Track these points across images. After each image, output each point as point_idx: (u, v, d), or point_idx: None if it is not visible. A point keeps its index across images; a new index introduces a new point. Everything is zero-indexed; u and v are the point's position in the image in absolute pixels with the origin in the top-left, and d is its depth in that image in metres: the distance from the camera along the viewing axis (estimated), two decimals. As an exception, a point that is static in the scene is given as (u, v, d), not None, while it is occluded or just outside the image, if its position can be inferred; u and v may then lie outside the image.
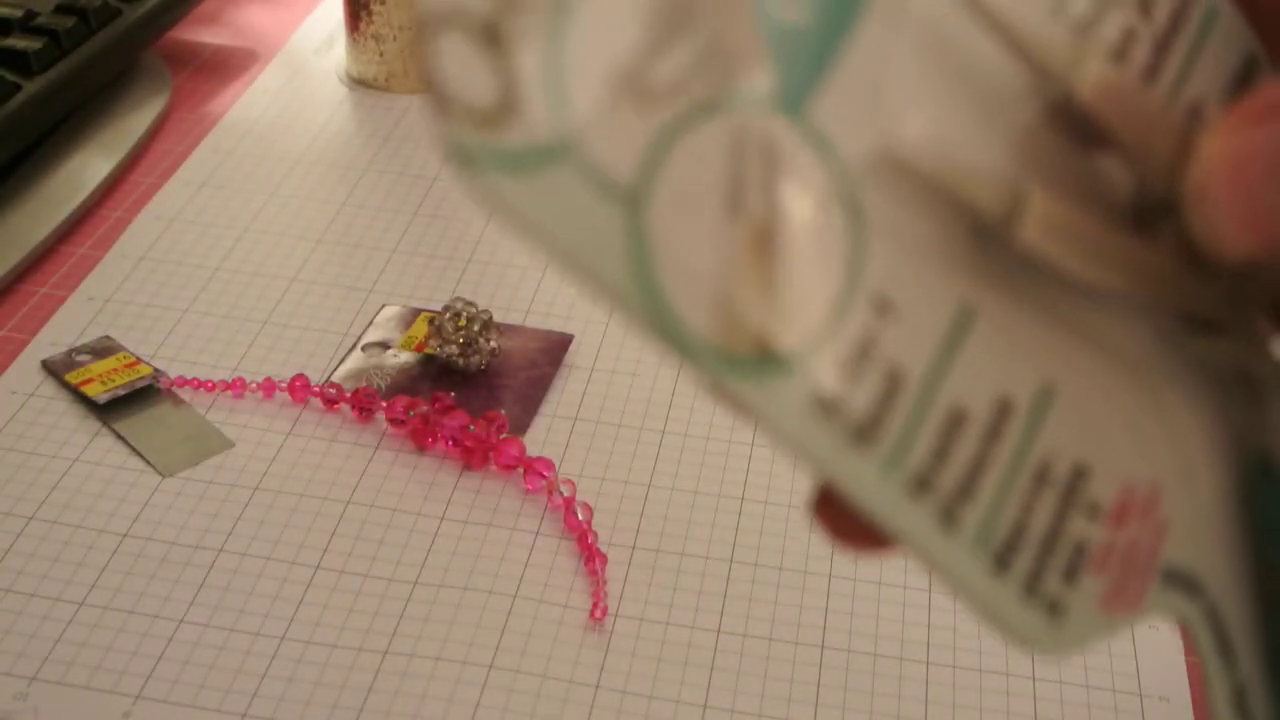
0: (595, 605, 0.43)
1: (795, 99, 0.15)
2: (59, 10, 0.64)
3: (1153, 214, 0.17)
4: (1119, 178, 0.17)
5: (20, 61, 0.61)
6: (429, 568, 0.44)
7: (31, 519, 0.45)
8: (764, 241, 0.15)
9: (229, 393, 0.50)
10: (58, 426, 0.48)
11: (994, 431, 0.16)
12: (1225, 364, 0.18)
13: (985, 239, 0.16)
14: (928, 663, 0.42)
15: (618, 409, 0.51)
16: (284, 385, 0.50)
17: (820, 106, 0.15)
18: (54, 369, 0.51)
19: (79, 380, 0.50)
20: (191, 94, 0.69)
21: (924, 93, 0.16)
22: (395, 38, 0.68)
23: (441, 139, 0.13)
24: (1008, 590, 0.16)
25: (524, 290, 0.57)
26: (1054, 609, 0.17)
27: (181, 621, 0.42)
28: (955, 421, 0.16)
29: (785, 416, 0.15)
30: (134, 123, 0.65)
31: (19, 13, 0.63)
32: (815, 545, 0.46)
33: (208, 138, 0.66)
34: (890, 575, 0.44)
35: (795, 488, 0.47)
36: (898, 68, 0.16)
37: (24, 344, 0.52)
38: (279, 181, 0.63)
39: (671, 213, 0.14)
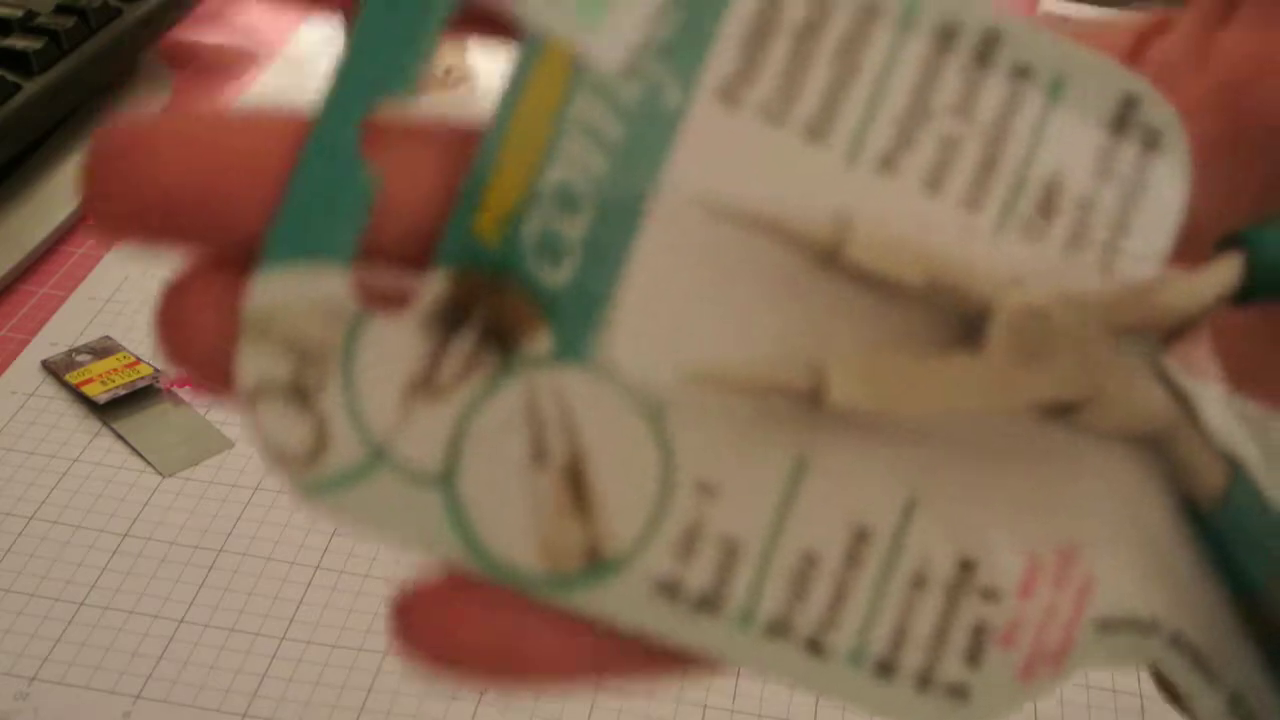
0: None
1: (579, 348, 0.17)
2: (59, 10, 0.64)
3: (971, 325, 0.18)
4: (922, 312, 0.18)
5: (21, 61, 0.61)
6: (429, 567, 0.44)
7: (31, 519, 0.45)
8: (573, 477, 0.17)
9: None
10: (58, 426, 0.48)
11: (852, 561, 0.17)
12: (1108, 430, 0.18)
13: (806, 404, 0.17)
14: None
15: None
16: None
17: (606, 346, 0.17)
18: (54, 369, 0.51)
19: (79, 380, 0.50)
20: (192, 94, 0.69)
21: (707, 305, 0.17)
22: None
23: (281, 481, 0.16)
24: (899, 691, 0.17)
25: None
26: (957, 693, 0.18)
27: (181, 621, 0.42)
28: (807, 564, 0.17)
29: (627, 609, 0.17)
30: (134, 123, 0.65)
31: (19, 13, 0.64)
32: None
33: (208, 138, 0.66)
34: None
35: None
36: (677, 289, 0.17)
37: (24, 344, 0.52)
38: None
39: (482, 481, 0.16)
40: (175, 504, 0.46)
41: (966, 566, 0.18)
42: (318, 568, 0.44)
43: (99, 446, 0.48)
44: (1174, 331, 0.18)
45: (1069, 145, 0.18)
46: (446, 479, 0.16)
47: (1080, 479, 0.18)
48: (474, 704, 0.40)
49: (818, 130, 0.17)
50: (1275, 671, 0.19)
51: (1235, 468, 0.19)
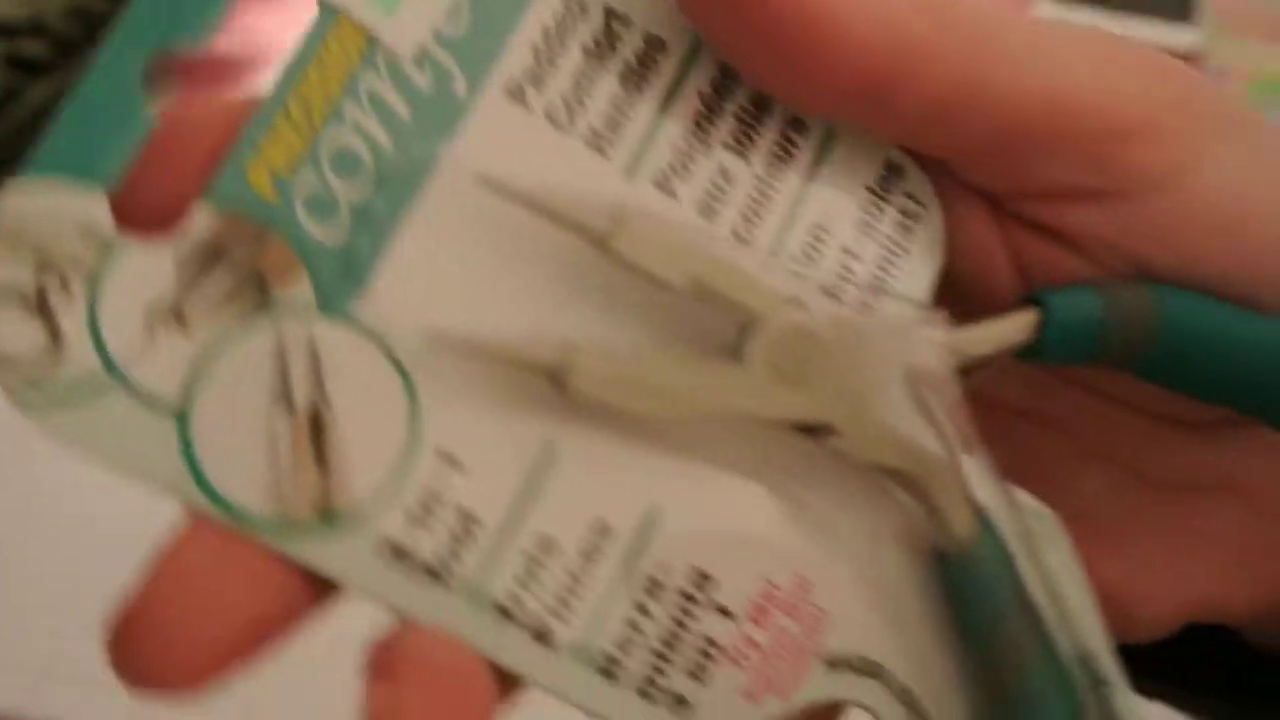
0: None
1: (338, 302, 0.17)
2: (65, 14, 0.64)
3: (737, 341, 0.18)
4: (693, 316, 0.18)
5: (26, 65, 0.61)
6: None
7: (40, 517, 0.45)
8: (315, 425, 0.17)
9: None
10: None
11: (589, 554, 0.18)
12: (861, 461, 0.19)
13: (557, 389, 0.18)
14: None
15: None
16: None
17: (366, 305, 0.17)
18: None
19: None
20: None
21: (474, 279, 0.18)
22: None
23: (6, 394, 0.16)
24: (622, 694, 0.18)
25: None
26: (680, 704, 0.18)
27: (189, 618, 0.42)
28: (543, 550, 0.17)
29: (354, 567, 0.17)
30: (139, 126, 0.66)
31: (25, 16, 0.64)
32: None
33: (213, 141, 0.66)
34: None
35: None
36: (446, 260, 0.18)
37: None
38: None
39: (219, 417, 0.17)
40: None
41: (703, 580, 0.18)
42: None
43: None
44: (958, 371, 0.19)
45: (836, 197, 0.19)
46: (182, 410, 0.17)
47: (827, 510, 0.19)
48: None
49: (600, 143, 0.18)
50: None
51: (984, 520, 0.19)
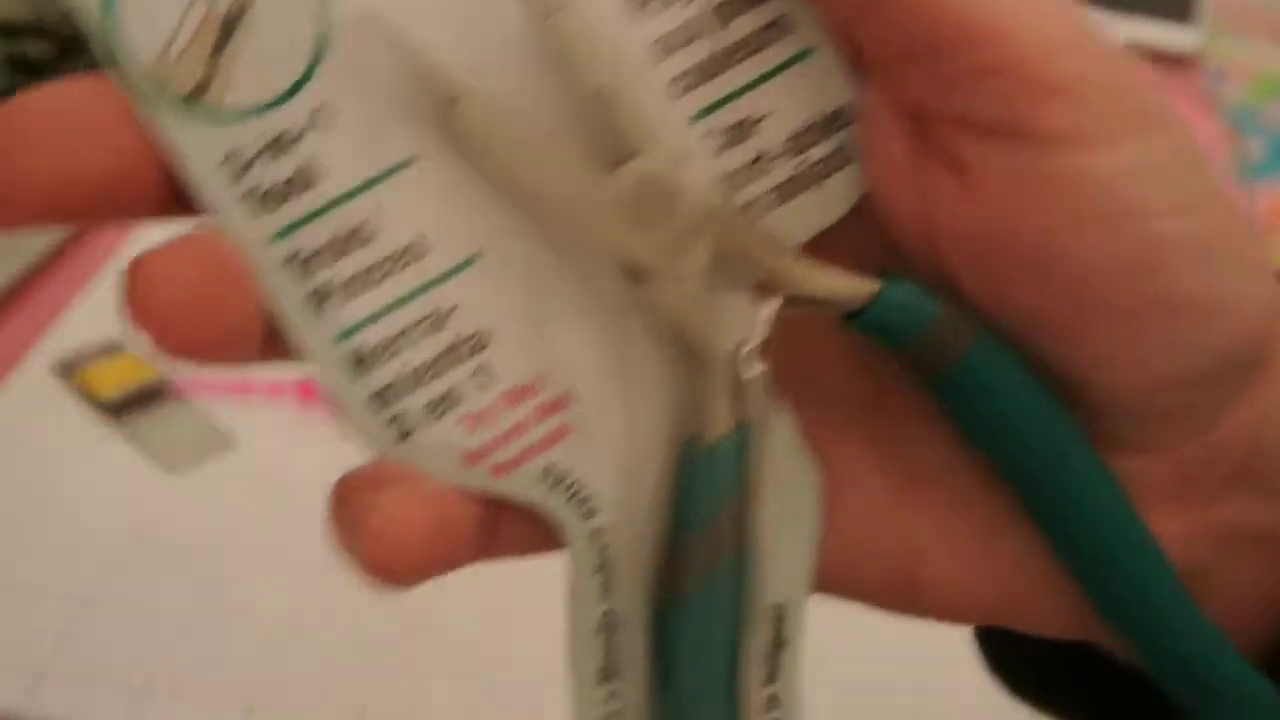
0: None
1: None
2: (67, 15, 0.65)
3: (615, 162, 0.19)
4: (589, 121, 0.19)
5: (28, 65, 0.61)
6: (432, 565, 0.44)
7: (40, 517, 0.45)
8: (226, 25, 0.18)
9: (235, 393, 0.51)
10: (66, 426, 0.49)
11: (391, 262, 0.19)
12: (665, 324, 0.20)
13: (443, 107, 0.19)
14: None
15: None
16: (290, 386, 0.50)
17: None
18: (63, 370, 0.51)
19: (87, 380, 0.50)
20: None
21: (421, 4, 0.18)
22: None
23: None
24: (356, 389, 0.19)
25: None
26: (402, 428, 0.19)
27: (188, 618, 0.42)
28: (358, 235, 0.18)
29: (196, 157, 0.18)
30: (141, 126, 0.66)
31: (27, 17, 0.64)
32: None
33: (214, 141, 0.66)
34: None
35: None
36: None
37: (33, 345, 0.53)
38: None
39: None
40: (182, 502, 0.46)
41: (480, 340, 0.19)
42: (322, 566, 0.44)
43: (107, 446, 0.48)
44: (786, 299, 0.20)
45: (780, 107, 0.20)
46: None
47: (620, 351, 0.20)
48: (475, 704, 0.40)
49: None
50: (660, 631, 0.20)
51: (741, 430, 0.20)
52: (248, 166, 0.18)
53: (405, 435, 0.19)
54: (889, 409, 0.21)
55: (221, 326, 0.18)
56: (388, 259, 0.19)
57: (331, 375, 0.19)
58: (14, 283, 0.56)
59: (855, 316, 0.20)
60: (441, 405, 0.19)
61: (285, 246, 0.18)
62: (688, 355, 0.20)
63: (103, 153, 0.17)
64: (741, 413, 0.20)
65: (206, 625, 0.42)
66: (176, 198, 0.18)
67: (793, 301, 0.20)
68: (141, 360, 0.52)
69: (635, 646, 0.20)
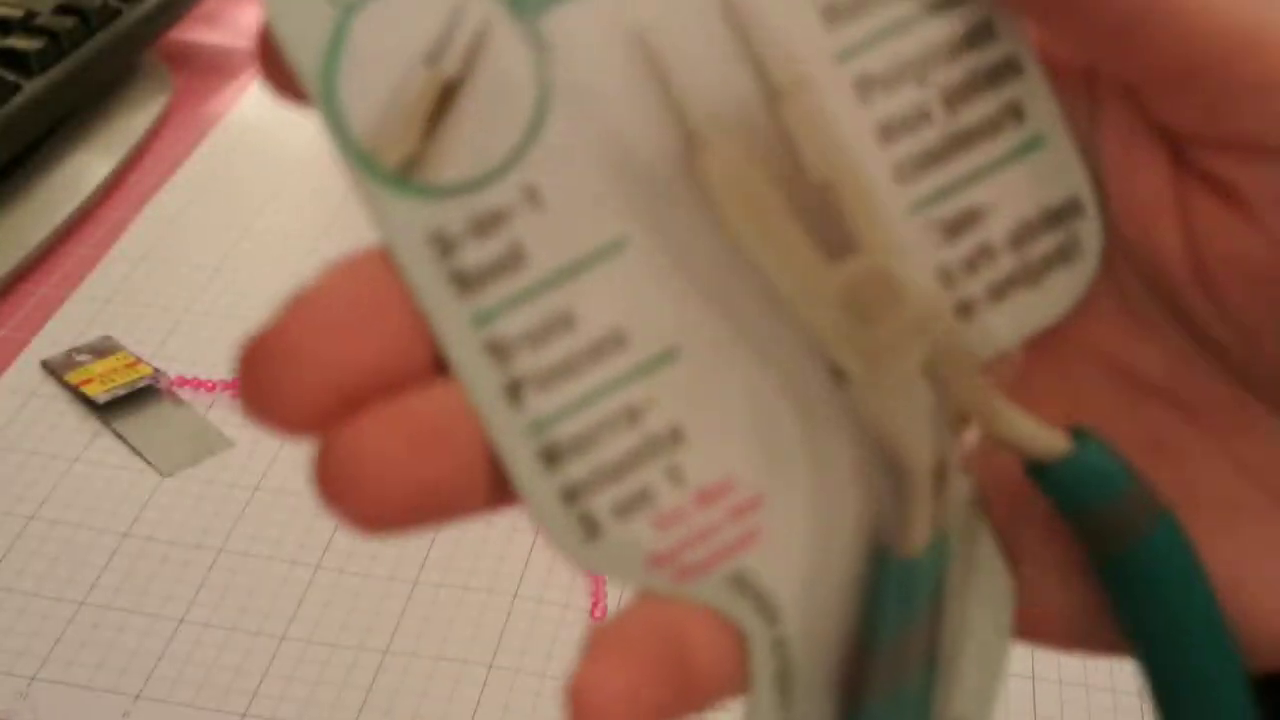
0: (595, 604, 0.43)
1: (531, 6, 0.17)
2: (59, 10, 0.64)
3: (842, 248, 0.18)
4: (817, 205, 0.18)
5: (20, 61, 0.61)
6: (429, 567, 0.44)
7: (32, 519, 0.45)
8: (446, 93, 0.17)
9: (229, 392, 0.50)
10: (58, 426, 0.48)
11: (596, 351, 0.18)
12: (869, 429, 0.19)
13: (668, 181, 0.18)
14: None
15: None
16: (284, 385, 0.50)
17: (553, 19, 0.17)
18: (54, 369, 0.51)
19: (79, 380, 0.50)
20: (191, 94, 0.69)
21: (663, 44, 0.18)
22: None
23: None
24: (548, 485, 0.18)
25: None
26: (589, 528, 0.18)
27: (181, 621, 0.42)
28: (561, 322, 0.18)
29: (403, 235, 0.17)
30: (134, 123, 0.65)
31: (19, 13, 0.64)
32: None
33: (208, 137, 0.66)
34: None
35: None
36: (638, 9, 0.18)
37: (24, 344, 0.52)
38: (280, 181, 0.63)
39: (373, 35, 0.17)
40: (175, 503, 0.46)
41: (675, 438, 0.18)
42: (318, 567, 0.44)
43: (99, 446, 0.48)
44: (978, 430, 0.19)
45: (1007, 198, 0.19)
46: (349, 7, 0.17)
47: (817, 455, 0.19)
48: (474, 704, 0.40)
49: (836, 16, 0.18)
50: None
51: (939, 544, 0.19)
52: (455, 247, 0.17)
53: (592, 535, 0.18)
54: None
55: (443, 494, 0.17)
56: (587, 349, 0.18)
57: (521, 470, 0.18)
58: (5, 281, 0.55)
59: (1041, 471, 0.19)
60: (632, 504, 0.18)
61: (486, 333, 0.17)
62: (886, 462, 0.19)
63: (380, 339, 0.17)
64: (940, 524, 0.19)
65: (202, 627, 0.42)
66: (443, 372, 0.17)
67: (986, 435, 0.19)
68: (133, 360, 0.51)
69: None
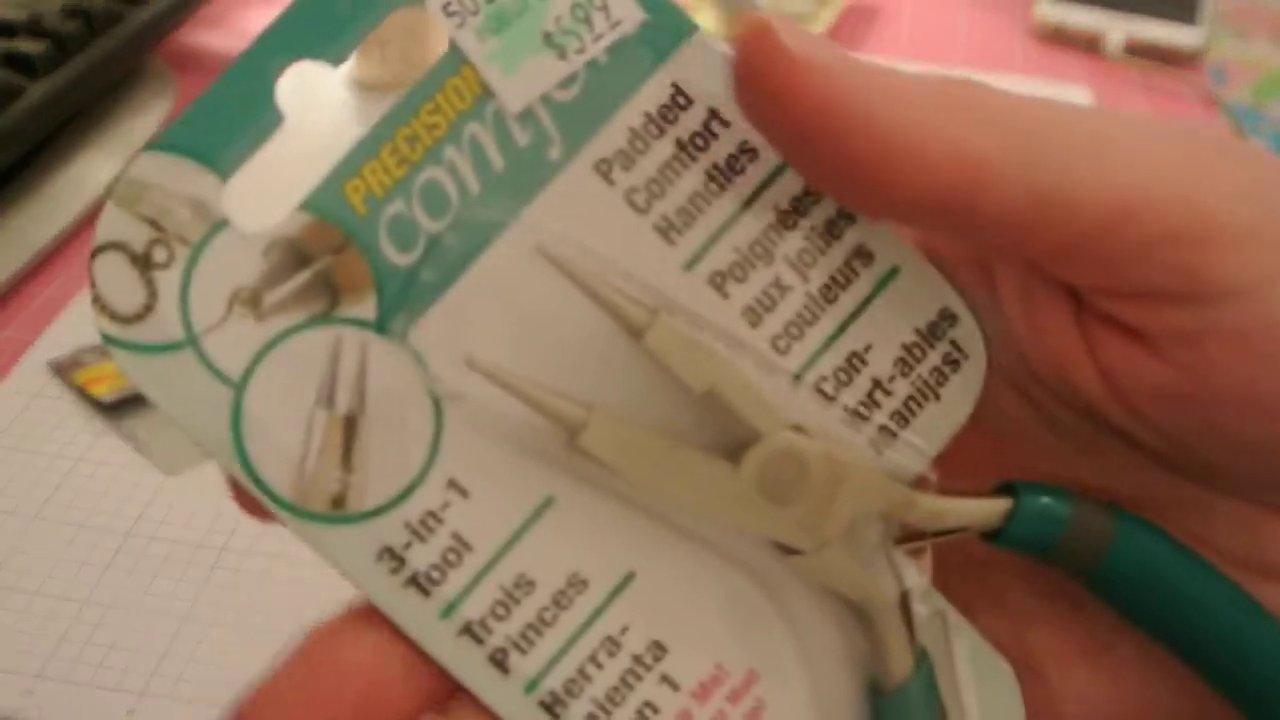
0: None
1: (396, 326, 0.19)
2: (64, 13, 0.64)
3: (738, 447, 0.19)
4: (704, 415, 0.20)
5: (25, 64, 0.61)
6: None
7: (36, 517, 0.45)
8: (348, 429, 0.19)
9: (233, 392, 0.50)
10: (63, 426, 0.49)
11: (560, 601, 0.19)
12: (823, 583, 0.20)
13: (566, 442, 0.19)
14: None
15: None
16: (288, 385, 0.50)
17: (419, 334, 0.19)
18: (60, 369, 0.51)
19: (84, 380, 0.50)
20: (196, 97, 0.69)
21: (521, 332, 0.19)
22: (399, 40, 0.68)
23: (96, 327, 0.19)
24: None
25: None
26: None
27: (186, 619, 0.42)
28: (520, 588, 0.19)
29: (353, 559, 0.19)
30: (139, 125, 0.66)
31: (23, 15, 0.64)
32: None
33: (212, 140, 0.66)
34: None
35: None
36: (499, 310, 0.19)
37: (30, 344, 0.52)
38: (284, 183, 0.63)
39: (270, 400, 0.18)
40: (179, 503, 0.46)
41: (659, 651, 0.20)
42: (322, 567, 0.44)
43: (104, 446, 0.48)
44: (927, 534, 0.20)
45: (882, 331, 0.20)
46: (240, 386, 0.18)
47: (789, 617, 0.20)
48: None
49: (669, 232, 0.19)
50: None
51: (923, 662, 0.20)
52: (402, 555, 0.19)
53: None
54: (1068, 591, 0.21)
55: None
56: (552, 601, 0.19)
57: None
58: (11, 283, 0.55)
59: (995, 536, 0.20)
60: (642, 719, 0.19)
61: (456, 620, 0.19)
62: (852, 609, 0.20)
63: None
64: (919, 648, 0.20)
65: (205, 625, 0.42)
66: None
67: (935, 535, 0.20)
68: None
69: None
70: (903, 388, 0.20)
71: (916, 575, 0.20)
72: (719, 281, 0.20)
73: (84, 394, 0.50)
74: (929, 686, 0.20)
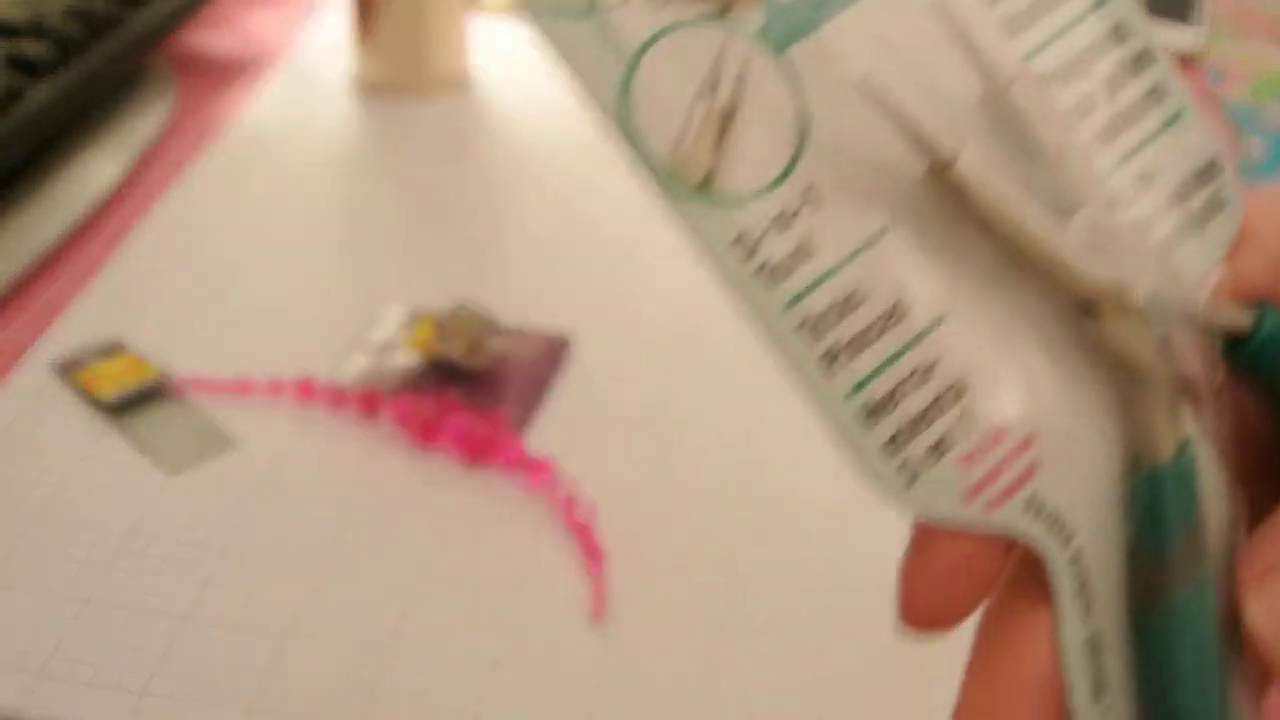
0: (596, 603, 0.43)
1: (780, 40, 0.21)
2: (65, 15, 0.65)
3: (1067, 211, 0.22)
4: (1040, 177, 0.22)
5: (27, 66, 0.61)
6: (432, 566, 0.44)
7: (39, 517, 0.45)
8: (724, 119, 0.20)
9: (235, 393, 0.51)
10: (66, 427, 0.49)
11: (885, 321, 0.21)
12: (1113, 355, 0.22)
13: (927, 179, 0.21)
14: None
15: (618, 408, 0.51)
16: (290, 385, 0.50)
17: (799, 52, 0.21)
18: (62, 370, 0.51)
19: (87, 381, 0.50)
20: (198, 98, 0.70)
21: (902, 64, 0.21)
22: (402, 41, 0.68)
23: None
24: (871, 439, 0.21)
25: (526, 293, 0.57)
26: (909, 472, 0.21)
27: (186, 619, 0.42)
28: (853, 300, 0.21)
29: (712, 239, 0.20)
30: (141, 127, 0.66)
31: (25, 17, 0.64)
32: (822, 541, 0.46)
33: (215, 141, 0.66)
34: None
35: (799, 485, 0.48)
36: (879, 46, 0.21)
37: (33, 345, 0.53)
38: (285, 184, 0.64)
39: (658, 78, 0.20)
40: (182, 503, 0.46)
41: (960, 388, 0.21)
42: (322, 565, 0.44)
43: (106, 446, 0.48)
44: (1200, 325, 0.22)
45: (1165, 165, 0.23)
46: (634, 61, 0.20)
47: (1072, 392, 0.22)
48: (474, 703, 0.40)
49: (1014, 27, 0.22)
50: (1138, 646, 0.22)
51: (1185, 451, 0.22)
52: (757, 244, 0.21)
53: (913, 480, 0.21)
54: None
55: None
56: (879, 319, 0.21)
57: (848, 430, 0.21)
58: (14, 282, 0.56)
59: (1239, 346, 0.22)
60: (939, 449, 0.21)
61: (796, 314, 0.21)
62: (1130, 383, 0.22)
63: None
64: (1181, 433, 0.22)
65: (206, 625, 0.42)
66: None
67: (1199, 329, 0.22)
68: (141, 360, 0.51)
69: (1117, 661, 0.22)
70: (1173, 218, 0.23)
71: (1190, 360, 0.22)
72: (1045, 81, 0.22)
73: (86, 394, 0.50)
74: (1193, 470, 0.22)
